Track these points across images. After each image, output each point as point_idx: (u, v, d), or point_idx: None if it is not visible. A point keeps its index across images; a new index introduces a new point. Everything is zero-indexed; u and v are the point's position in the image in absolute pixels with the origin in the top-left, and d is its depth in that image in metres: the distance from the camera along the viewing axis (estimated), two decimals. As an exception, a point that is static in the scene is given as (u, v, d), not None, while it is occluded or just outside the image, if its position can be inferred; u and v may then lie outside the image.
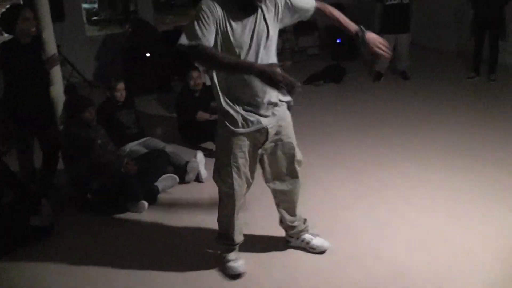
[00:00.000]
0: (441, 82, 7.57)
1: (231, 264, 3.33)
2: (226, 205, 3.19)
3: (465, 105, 6.49)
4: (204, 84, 5.71)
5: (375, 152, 5.12)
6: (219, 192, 3.21)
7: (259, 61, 2.77)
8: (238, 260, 3.36)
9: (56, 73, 4.24)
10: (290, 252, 3.52)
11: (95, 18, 10.82)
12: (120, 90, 5.00)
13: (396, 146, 5.22)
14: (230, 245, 3.36)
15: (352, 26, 2.96)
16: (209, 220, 3.78)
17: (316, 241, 3.52)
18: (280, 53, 8.49)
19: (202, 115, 5.44)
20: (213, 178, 3.18)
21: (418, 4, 7.59)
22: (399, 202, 4.08)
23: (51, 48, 4.18)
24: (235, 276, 3.29)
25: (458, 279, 3.12)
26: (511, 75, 7.59)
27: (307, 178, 3.68)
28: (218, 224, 3.36)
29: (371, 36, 2.89)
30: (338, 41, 9.27)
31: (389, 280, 3.14)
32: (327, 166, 4.87)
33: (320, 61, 8.95)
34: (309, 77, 7.98)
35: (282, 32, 9.19)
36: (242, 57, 2.76)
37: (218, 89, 2.89)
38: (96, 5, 11.16)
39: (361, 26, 2.94)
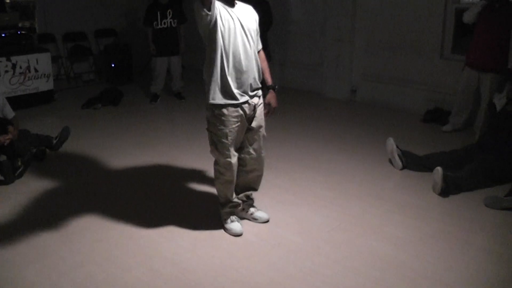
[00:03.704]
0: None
1: (232, 225, 3.92)
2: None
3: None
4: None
5: (154, 165, 5.53)
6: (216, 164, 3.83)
7: None
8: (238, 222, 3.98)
9: None
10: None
11: None
12: None
13: (171, 157, 5.71)
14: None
15: (270, 80, 3.99)
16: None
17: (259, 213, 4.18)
18: (55, 79, 8.50)
19: None
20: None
21: (187, 28, 8.12)
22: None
23: None
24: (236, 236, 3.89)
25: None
26: (285, 93, 8.57)
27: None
28: (220, 193, 3.94)
29: (270, 96, 3.93)
30: (112, 65, 9.45)
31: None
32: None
33: (97, 86, 9.10)
34: (86, 101, 8.04)
35: (57, 58, 9.14)
36: None
37: None
38: None
39: (276, 86, 3.98)
